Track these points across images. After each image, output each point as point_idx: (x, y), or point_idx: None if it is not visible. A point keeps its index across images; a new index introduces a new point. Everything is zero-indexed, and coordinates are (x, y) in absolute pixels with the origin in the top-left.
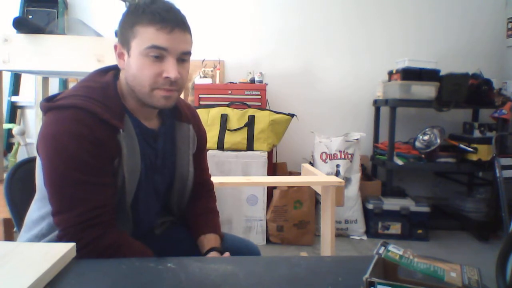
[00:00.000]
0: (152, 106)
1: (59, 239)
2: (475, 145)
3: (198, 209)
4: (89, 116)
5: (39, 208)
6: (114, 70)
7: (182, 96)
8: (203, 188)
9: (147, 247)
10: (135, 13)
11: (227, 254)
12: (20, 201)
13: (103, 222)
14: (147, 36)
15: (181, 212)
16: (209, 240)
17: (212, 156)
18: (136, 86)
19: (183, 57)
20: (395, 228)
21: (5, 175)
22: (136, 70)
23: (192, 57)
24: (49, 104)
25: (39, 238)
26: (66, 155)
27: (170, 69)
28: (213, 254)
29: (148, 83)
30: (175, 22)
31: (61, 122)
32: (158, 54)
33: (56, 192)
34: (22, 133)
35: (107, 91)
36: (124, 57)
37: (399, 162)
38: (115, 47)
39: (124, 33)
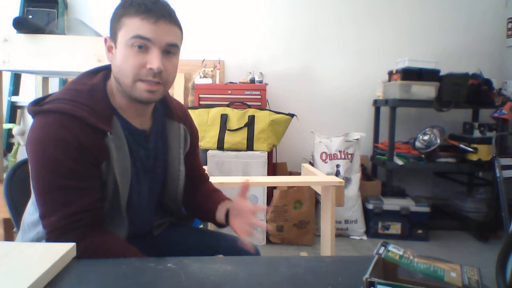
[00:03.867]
0: (136, 100)
1: (47, 242)
2: (475, 145)
3: (200, 195)
4: (74, 121)
5: (34, 210)
6: (104, 71)
7: (182, 96)
8: (199, 180)
9: (135, 248)
10: (123, 6)
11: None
12: (20, 201)
13: (84, 225)
14: (132, 26)
15: (179, 211)
16: (223, 205)
17: (212, 156)
18: (120, 77)
19: (168, 49)
20: (395, 228)
21: (5, 175)
22: (121, 61)
23: (192, 57)
24: (36, 108)
25: (35, 241)
26: (49, 161)
27: (154, 60)
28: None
29: (131, 74)
30: (161, 13)
31: (46, 128)
32: (141, 44)
33: (41, 196)
34: (22, 133)
35: (95, 94)
36: (112, 50)
37: (399, 162)
38: (105, 40)
39: (113, 26)
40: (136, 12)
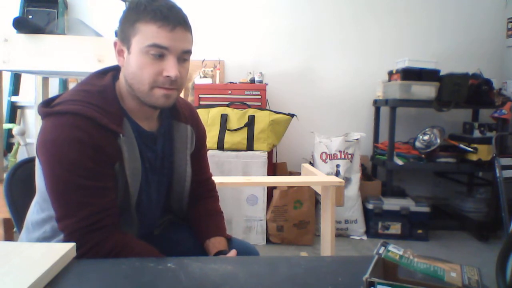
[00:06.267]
0: (152, 105)
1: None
2: (475, 145)
3: (200, 212)
4: (88, 122)
5: (40, 210)
6: (113, 71)
7: (182, 96)
8: (204, 188)
9: (152, 247)
10: (137, 10)
11: (234, 252)
12: (20, 202)
13: (106, 225)
14: (148, 33)
15: (183, 213)
16: (214, 244)
17: (212, 156)
18: (135, 84)
19: (183, 56)
20: (395, 228)
21: (5, 175)
22: (136, 68)
23: (192, 57)
24: (47, 110)
25: (41, 241)
26: (66, 162)
27: (171, 68)
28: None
29: (147, 82)
30: (177, 21)
31: (60, 129)
32: (159, 53)
33: (58, 198)
34: (22, 133)
35: (106, 95)
36: (123, 54)
37: (399, 162)
38: (115, 44)
39: (125, 30)
40: (152, 18)
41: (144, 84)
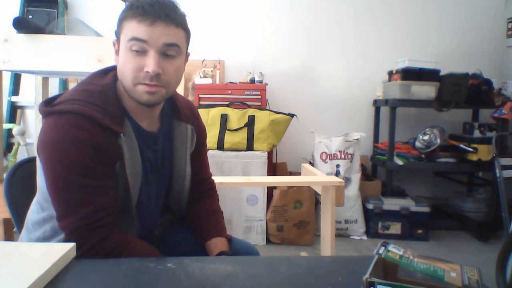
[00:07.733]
0: (139, 102)
1: (64, 242)
2: (475, 145)
3: (200, 212)
4: (89, 121)
5: (41, 210)
6: (114, 71)
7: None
8: (204, 188)
9: (152, 247)
10: (125, 9)
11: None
12: (20, 201)
13: (107, 224)
14: (130, 29)
15: (182, 212)
16: (216, 244)
17: (212, 156)
18: (123, 80)
19: (167, 51)
20: (395, 228)
21: (5, 175)
22: (121, 64)
23: (192, 57)
24: (48, 109)
25: (41, 240)
26: (67, 161)
27: (150, 63)
28: None
29: (130, 78)
30: (157, 15)
31: (60, 128)
32: (139, 48)
33: (59, 196)
34: (22, 133)
35: (107, 95)
36: (118, 53)
37: (399, 162)
38: (114, 44)
39: (117, 30)
40: (133, 14)
41: (128, 81)
